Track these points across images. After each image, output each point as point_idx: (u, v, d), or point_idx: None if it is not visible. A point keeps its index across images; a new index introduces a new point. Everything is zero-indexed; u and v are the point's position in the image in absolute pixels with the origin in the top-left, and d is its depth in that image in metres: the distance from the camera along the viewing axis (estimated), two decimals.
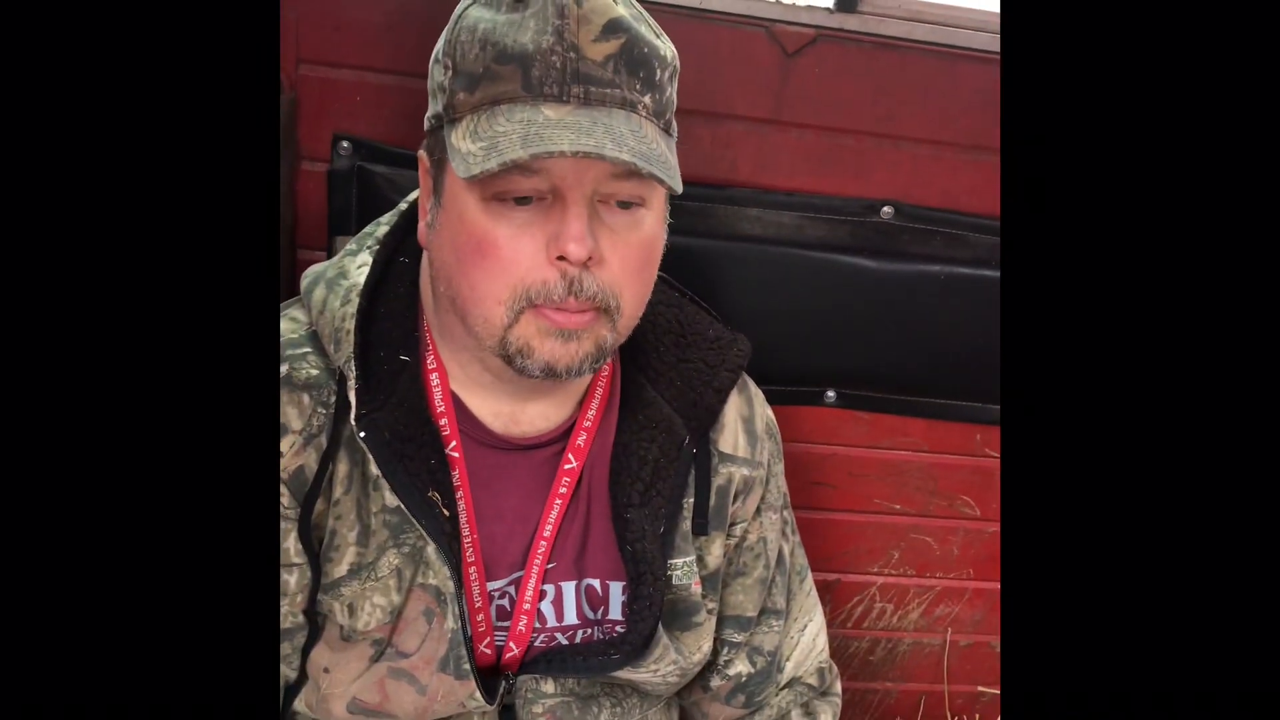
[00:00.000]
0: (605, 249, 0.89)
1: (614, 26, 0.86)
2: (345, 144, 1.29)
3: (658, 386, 1.06)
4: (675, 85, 0.92)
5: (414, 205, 1.03)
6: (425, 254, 0.99)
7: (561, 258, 0.88)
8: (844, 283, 1.41)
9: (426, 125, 0.94)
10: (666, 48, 0.90)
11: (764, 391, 1.18)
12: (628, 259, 0.91)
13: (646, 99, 0.88)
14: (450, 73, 0.88)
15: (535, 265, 0.88)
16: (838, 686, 1.25)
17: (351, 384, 0.94)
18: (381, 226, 1.03)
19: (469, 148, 0.85)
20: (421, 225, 0.97)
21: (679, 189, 0.88)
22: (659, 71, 0.88)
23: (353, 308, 0.96)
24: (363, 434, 0.93)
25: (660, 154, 0.87)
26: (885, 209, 1.40)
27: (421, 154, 0.96)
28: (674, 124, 0.93)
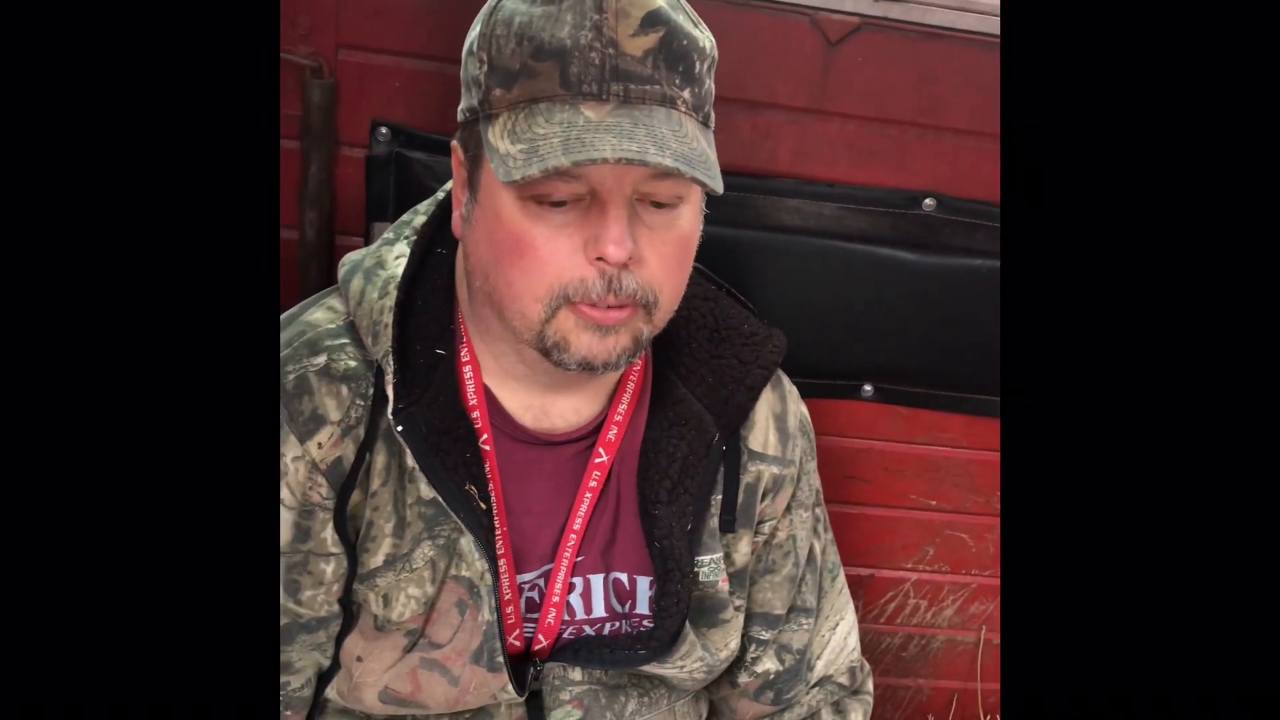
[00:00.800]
0: (643, 247, 0.88)
1: (653, 19, 0.84)
2: (384, 130, 1.29)
3: (689, 384, 1.05)
4: (713, 76, 0.90)
5: (450, 194, 1.03)
6: (460, 245, 0.99)
7: (600, 258, 0.87)
8: (884, 276, 1.39)
9: (460, 117, 0.93)
10: (705, 38, 0.88)
11: (799, 385, 1.17)
12: (665, 256, 0.90)
13: (685, 93, 0.86)
14: (486, 67, 0.87)
15: (573, 264, 0.87)
16: (869, 685, 1.24)
17: (389, 378, 0.94)
18: (419, 216, 1.03)
19: (508, 149, 0.84)
20: (456, 216, 0.96)
21: (720, 190, 0.86)
22: (698, 64, 0.87)
23: (391, 300, 0.95)
24: (400, 428, 0.93)
25: (701, 153, 0.85)
26: (927, 201, 1.38)
27: (455, 144, 0.95)
28: (712, 115, 0.91)
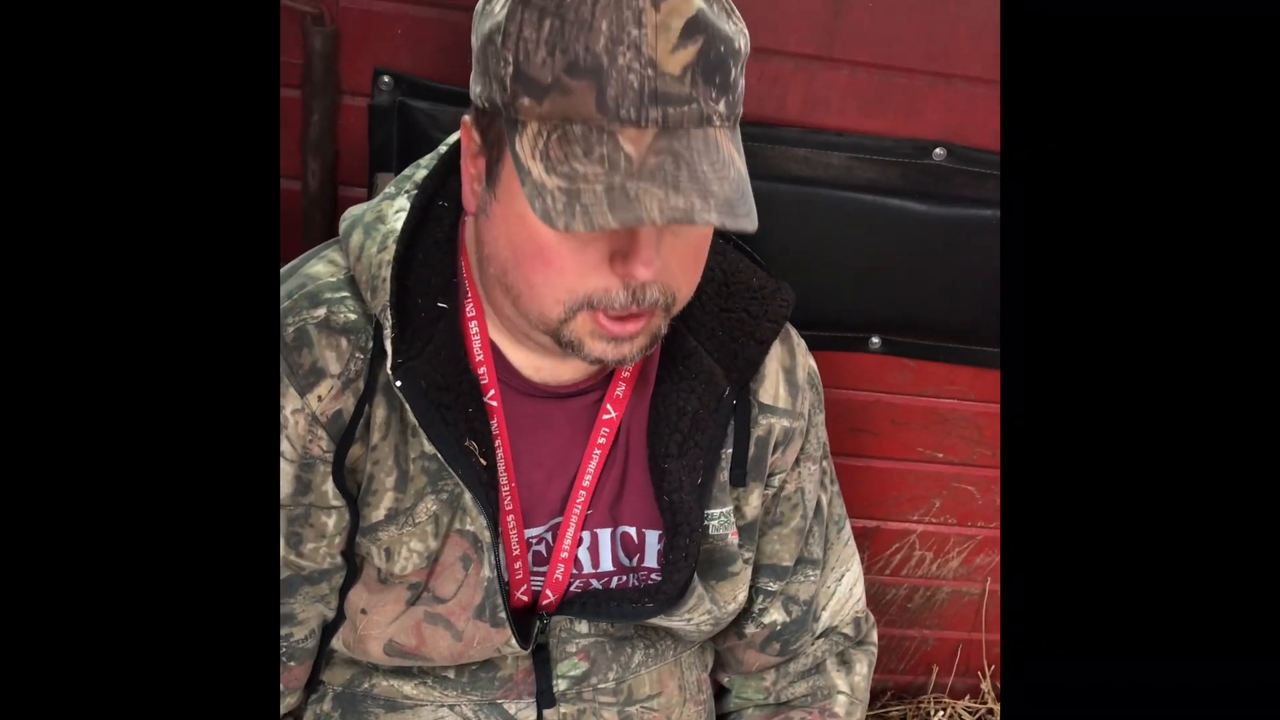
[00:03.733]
0: (665, 254, 0.87)
1: (693, 27, 0.80)
2: (386, 79, 1.27)
3: (698, 336, 1.04)
4: (744, 69, 0.87)
5: (454, 148, 1.01)
6: (472, 220, 0.97)
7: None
8: (893, 226, 1.37)
9: (477, 101, 0.88)
10: (739, 32, 0.85)
11: (807, 337, 1.16)
12: (685, 256, 0.90)
13: (721, 106, 0.83)
14: (511, 69, 0.82)
15: (598, 274, 0.86)
16: (874, 635, 1.25)
17: (388, 332, 0.93)
18: (420, 170, 1.01)
19: (542, 176, 0.81)
20: (467, 192, 0.93)
21: (754, 229, 0.83)
22: (733, 69, 0.83)
23: (389, 254, 0.94)
24: (399, 383, 0.93)
25: (739, 185, 0.83)
26: (937, 150, 1.36)
27: (468, 123, 0.91)
28: (740, 110, 0.88)
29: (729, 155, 0.83)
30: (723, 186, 0.81)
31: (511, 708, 1.05)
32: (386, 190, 1.01)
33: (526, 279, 0.88)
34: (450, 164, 1.01)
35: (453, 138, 1.03)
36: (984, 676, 1.74)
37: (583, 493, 1.02)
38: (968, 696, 1.76)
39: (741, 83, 0.86)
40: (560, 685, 1.06)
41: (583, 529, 1.04)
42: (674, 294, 0.90)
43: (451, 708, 1.05)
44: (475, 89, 0.88)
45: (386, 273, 0.94)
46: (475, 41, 0.87)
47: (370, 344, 0.96)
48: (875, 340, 1.46)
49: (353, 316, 0.96)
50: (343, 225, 1.01)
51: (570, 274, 0.86)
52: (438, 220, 0.99)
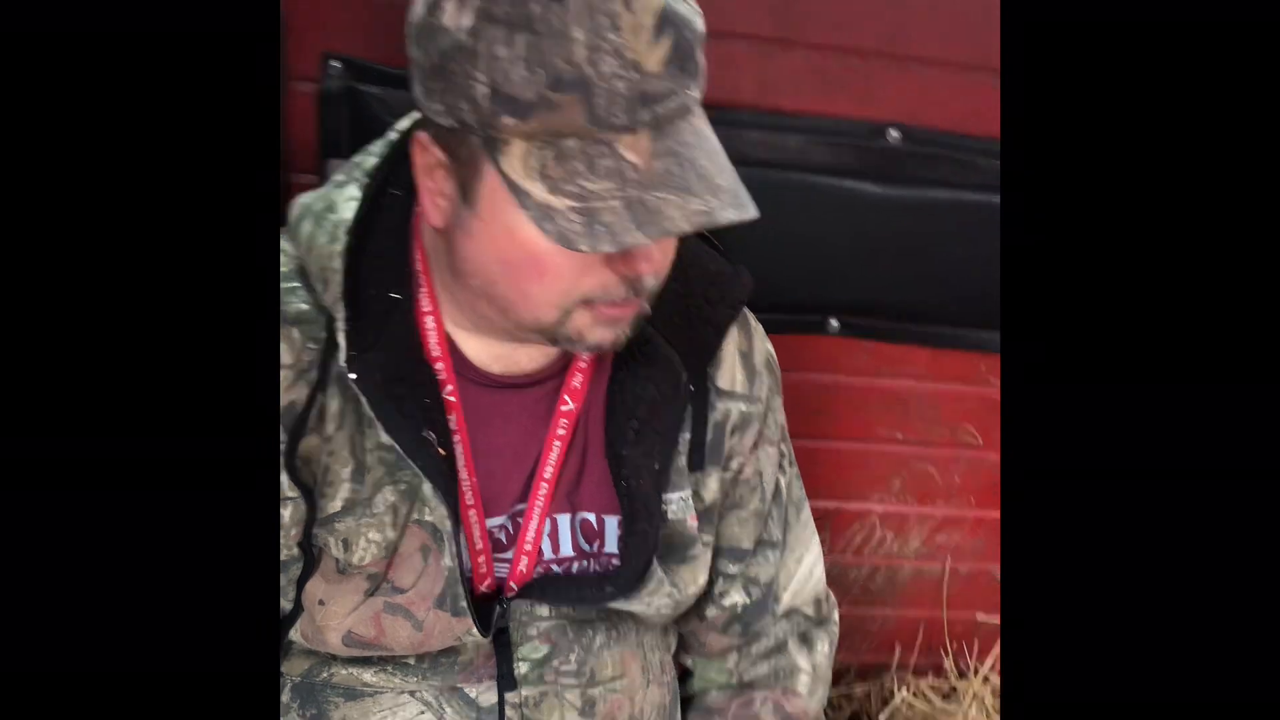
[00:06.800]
0: (661, 245, 0.88)
1: (664, 21, 0.79)
2: (335, 63, 1.26)
3: (656, 323, 1.03)
4: None
5: (405, 134, 1.00)
6: (438, 232, 0.93)
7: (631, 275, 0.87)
8: (848, 208, 1.38)
9: (436, 118, 0.85)
10: (696, 14, 0.84)
11: (765, 320, 1.16)
12: (669, 243, 0.91)
13: (695, 92, 0.83)
14: (487, 90, 0.79)
15: (596, 274, 0.87)
16: (835, 615, 1.25)
17: (340, 325, 0.92)
18: (370, 158, 1.00)
19: (546, 198, 0.80)
20: (428, 205, 0.90)
21: (758, 214, 0.84)
22: (698, 52, 0.84)
23: (340, 246, 0.93)
24: (353, 375, 0.92)
25: (733, 172, 0.84)
26: (892, 132, 1.36)
27: (425, 141, 0.88)
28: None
29: (715, 143, 0.84)
30: (725, 178, 0.83)
31: (472, 691, 1.05)
32: (336, 177, 1.00)
33: (520, 290, 0.88)
34: (402, 150, 1.00)
35: (403, 122, 1.01)
36: (946, 654, 1.76)
37: (544, 485, 1.02)
38: (930, 674, 1.77)
39: (704, 64, 0.86)
40: (522, 668, 1.05)
41: (545, 517, 1.03)
42: (661, 278, 0.91)
43: (412, 694, 1.04)
44: (433, 107, 0.84)
45: (338, 264, 0.93)
46: (421, 57, 0.84)
47: (323, 334, 0.94)
48: (833, 322, 1.46)
49: (304, 307, 0.95)
50: (292, 214, 0.99)
51: (568, 279, 0.86)
52: (389, 210, 0.98)
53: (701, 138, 0.84)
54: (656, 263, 0.88)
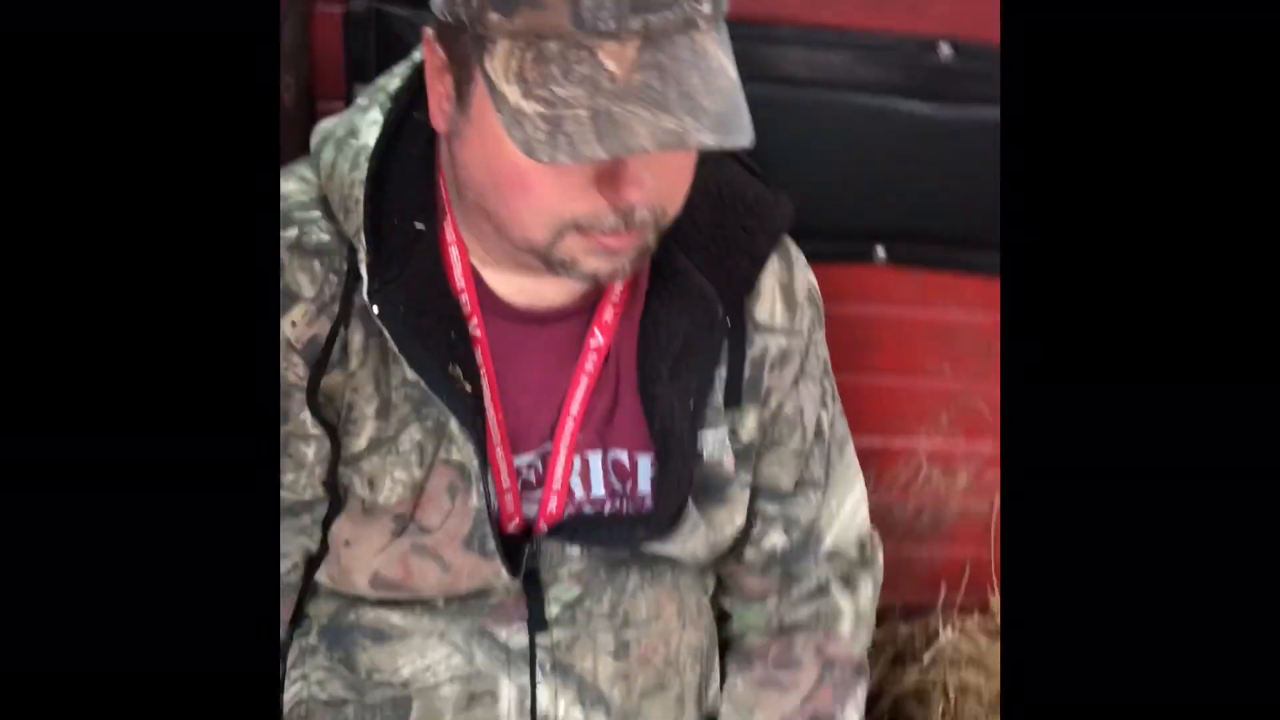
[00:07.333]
0: (654, 169, 0.83)
1: None
2: None
3: (690, 254, 1.00)
4: None
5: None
6: (444, 142, 0.92)
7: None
8: (897, 129, 1.33)
9: (439, 14, 0.83)
10: None
11: (807, 249, 1.11)
12: (674, 171, 0.86)
13: (705, 6, 0.78)
14: None
15: (585, 196, 0.83)
16: (879, 557, 1.22)
17: (362, 256, 0.90)
18: (394, 79, 0.97)
19: (519, 102, 0.77)
20: (433, 108, 0.89)
21: (750, 144, 0.79)
22: None
23: (362, 174, 0.90)
24: (376, 308, 0.89)
25: (731, 97, 0.79)
26: (943, 47, 1.31)
27: (431, 38, 0.86)
28: (725, 5, 0.83)
29: (719, 63, 0.79)
30: (715, 100, 0.77)
31: (502, 633, 1.03)
32: (359, 101, 0.97)
33: (506, 204, 0.85)
34: (424, 72, 0.96)
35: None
36: (993, 592, 1.72)
37: (570, 421, 0.99)
38: (976, 613, 1.74)
39: None
40: (553, 610, 1.04)
41: (573, 455, 1.01)
42: (664, 210, 0.87)
43: (441, 636, 1.03)
44: (436, 4, 0.83)
45: (359, 193, 0.90)
46: None
47: (344, 266, 0.92)
48: (880, 251, 1.42)
49: (325, 237, 0.93)
50: (314, 140, 0.97)
51: (553, 199, 0.83)
52: (413, 134, 0.95)
53: (701, 55, 0.78)
54: (649, 191, 0.82)
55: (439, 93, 0.87)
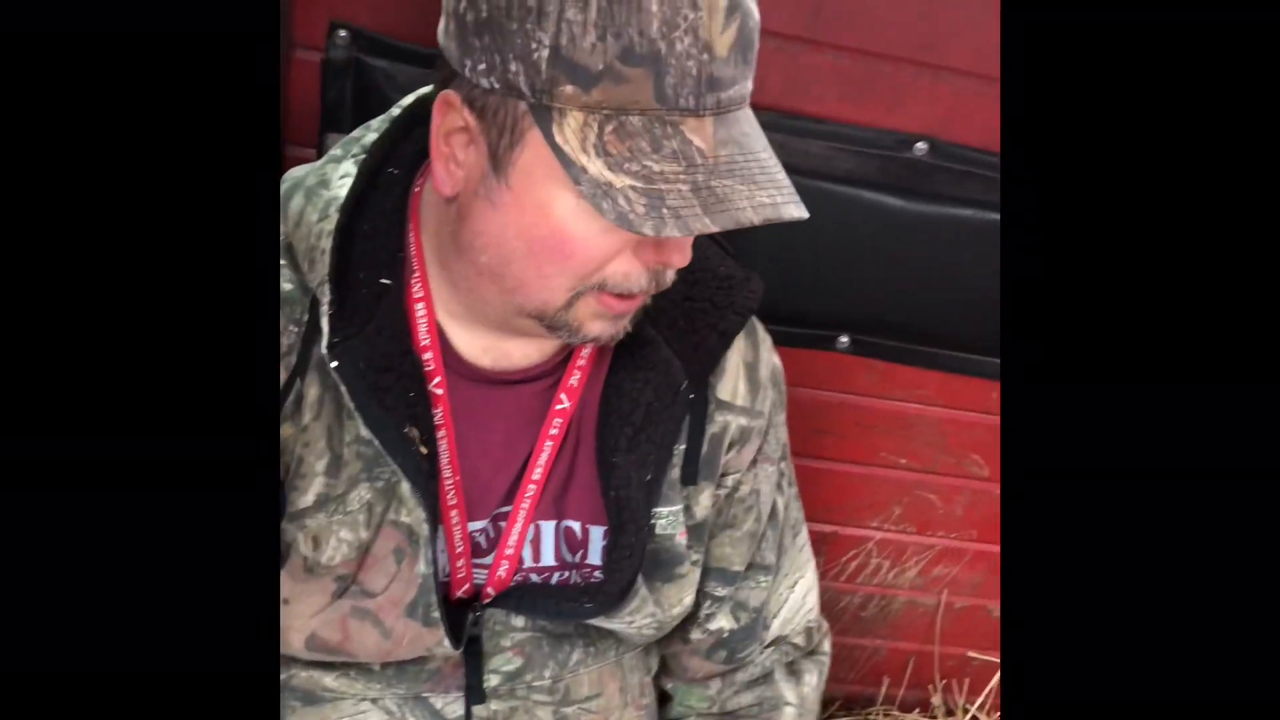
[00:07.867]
0: (683, 238, 0.84)
1: (733, 4, 0.76)
2: (342, 33, 1.20)
3: (658, 325, 0.98)
4: None
5: (408, 111, 0.95)
6: (437, 201, 0.89)
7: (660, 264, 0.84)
8: (869, 221, 1.33)
9: (475, 78, 0.79)
10: (754, 3, 0.80)
11: (773, 332, 1.10)
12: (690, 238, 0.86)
13: (750, 84, 0.80)
14: (548, 52, 0.74)
15: (621, 260, 0.83)
16: (826, 645, 1.20)
17: (325, 309, 0.87)
18: (370, 133, 0.94)
19: (605, 175, 0.75)
20: (441, 172, 0.84)
21: (805, 215, 0.81)
22: (757, 41, 0.80)
23: (330, 224, 0.87)
24: (334, 364, 0.87)
25: (782, 169, 0.81)
26: (920, 145, 1.31)
27: (455, 100, 0.81)
28: None
29: (765, 138, 0.81)
30: (781, 174, 0.80)
31: (438, 702, 1.00)
32: (332, 153, 0.95)
33: (538, 269, 0.83)
34: (403, 128, 0.95)
35: (407, 99, 0.96)
36: (934, 690, 1.71)
37: (532, 486, 0.97)
38: (917, 710, 1.72)
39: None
40: (492, 680, 1.01)
41: (530, 521, 0.98)
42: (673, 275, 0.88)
43: (374, 702, 0.99)
44: (476, 65, 0.78)
45: (327, 244, 0.87)
46: (466, 7, 0.78)
47: (305, 317, 0.89)
48: (844, 339, 1.42)
49: (288, 287, 0.90)
50: (283, 187, 0.94)
51: (592, 263, 0.82)
52: (386, 189, 0.93)
53: (757, 131, 0.80)
54: (687, 254, 0.84)
55: (447, 155, 0.84)
